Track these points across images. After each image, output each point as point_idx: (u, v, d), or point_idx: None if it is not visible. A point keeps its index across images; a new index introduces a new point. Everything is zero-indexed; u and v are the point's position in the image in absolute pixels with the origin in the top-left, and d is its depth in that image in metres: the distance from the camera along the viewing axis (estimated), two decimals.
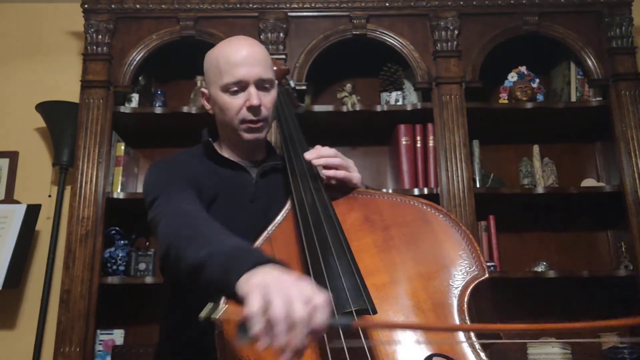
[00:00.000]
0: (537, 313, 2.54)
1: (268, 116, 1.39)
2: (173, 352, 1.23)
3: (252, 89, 1.35)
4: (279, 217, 1.24)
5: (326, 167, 1.32)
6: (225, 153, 1.44)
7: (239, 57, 1.35)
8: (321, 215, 1.15)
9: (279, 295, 0.78)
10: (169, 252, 1.10)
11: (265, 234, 1.19)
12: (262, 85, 1.37)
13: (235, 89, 1.35)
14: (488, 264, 2.34)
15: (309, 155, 1.32)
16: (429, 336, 0.98)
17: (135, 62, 2.51)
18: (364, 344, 0.94)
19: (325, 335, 0.93)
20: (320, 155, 1.32)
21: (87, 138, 2.40)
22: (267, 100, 1.38)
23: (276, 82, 1.46)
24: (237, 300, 0.85)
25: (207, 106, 1.46)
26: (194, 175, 1.35)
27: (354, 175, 1.33)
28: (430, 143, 2.49)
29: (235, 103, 1.35)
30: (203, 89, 1.46)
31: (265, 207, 1.34)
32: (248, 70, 1.34)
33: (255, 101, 1.34)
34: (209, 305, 0.83)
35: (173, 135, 2.51)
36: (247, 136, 1.38)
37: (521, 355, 2.40)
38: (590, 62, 2.54)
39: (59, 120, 2.60)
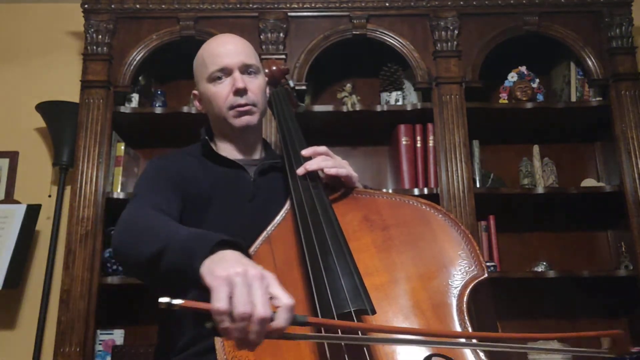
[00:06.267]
0: (537, 313, 2.55)
1: (257, 101, 1.41)
2: (173, 353, 1.23)
3: (236, 74, 1.39)
4: (278, 217, 1.23)
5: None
6: (223, 151, 1.44)
7: (222, 48, 1.41)
8: (320, 216, 1.15)
9: (244, 292, 0.80)
10: (117, 252, 1.11)
11: (264, 234, 1.19)
12: (247, 70, 1.41)
13: (220, 75, 1.39)
14: (488, 264, 2.34)
15: (305, 152, 1.33)
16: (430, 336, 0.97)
17: (135, 62, 2.51)
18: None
19: (325, 343, 0.94)
20: (315, 152, 1.33)
21: (87, 138, 2.40)
22: (254, 85, 1.40)
23: (263, 70, 1.48)
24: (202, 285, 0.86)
25: (199, 107, 1.49)
26: (185, 175, 1.35)
27: (354, 174, 1.33)
28: (430, 143, 2.49)
29: (222, 91, 1.39)
30: (194, 91, 1.49)
31: (264, 206, 1.34)
32: (231, 57, 1.39)
33: (240, 84, 1.37)
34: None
35: (173, 135, 2.51)
36: (237, 122, 1.39)
37: (521, 355, 2.39)
38: (590, 62, 2.54)
39: (59, 120, 2.60)
